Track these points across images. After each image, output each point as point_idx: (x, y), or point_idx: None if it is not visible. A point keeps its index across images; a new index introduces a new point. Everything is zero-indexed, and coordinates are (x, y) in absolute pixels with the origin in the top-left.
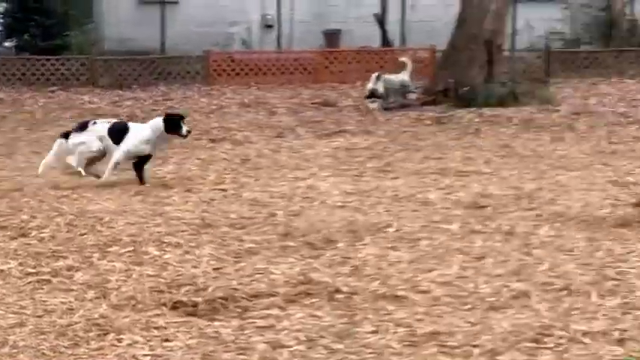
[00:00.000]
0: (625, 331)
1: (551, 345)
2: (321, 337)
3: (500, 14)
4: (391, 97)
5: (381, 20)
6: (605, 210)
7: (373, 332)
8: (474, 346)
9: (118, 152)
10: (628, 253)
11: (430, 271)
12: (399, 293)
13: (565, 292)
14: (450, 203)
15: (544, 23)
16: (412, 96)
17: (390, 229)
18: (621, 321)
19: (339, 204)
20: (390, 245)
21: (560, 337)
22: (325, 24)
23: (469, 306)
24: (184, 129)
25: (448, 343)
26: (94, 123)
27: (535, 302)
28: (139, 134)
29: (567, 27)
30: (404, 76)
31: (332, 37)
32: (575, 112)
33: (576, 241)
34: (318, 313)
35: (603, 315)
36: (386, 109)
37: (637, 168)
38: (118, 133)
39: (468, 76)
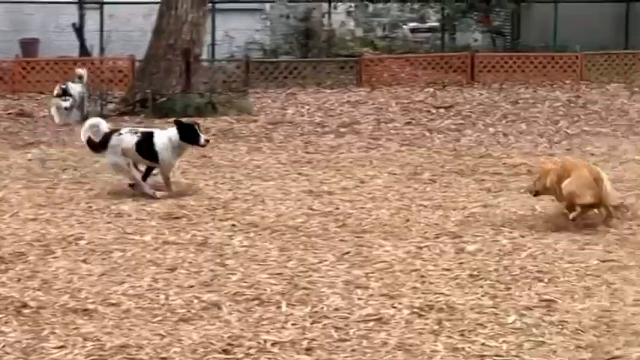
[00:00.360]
0: (313, 340)
1: (241, 355)
2: (6, 353)
3: (197, 24)
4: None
5: (79, 29)
6: (298, 220)
7: (60, 347)
8: (163, 358)
9: None
10: (319, 262)
11: (121, 283)
12: (89, 307)
13: (256, 302)
14: (144, 214)
15: (243, 33)
16: (110, 106)
17: (82, 242)
18: (310, 330)
19: (31, 216)
20: (81, 258)
21: (250, 348)
22: (22, 33)
23: (159, 318)
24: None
25: (137, 357)
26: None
27: (226, 313)
28: None
29: (267, 37)
30: (80, 87)
31: (29, 46)
32: (273, 122)
33: (269, 250)
34: (4, 328)
35: (292, 324)
36: (84, 119)
37: (332, 178)
38: None
39: (166, 86)
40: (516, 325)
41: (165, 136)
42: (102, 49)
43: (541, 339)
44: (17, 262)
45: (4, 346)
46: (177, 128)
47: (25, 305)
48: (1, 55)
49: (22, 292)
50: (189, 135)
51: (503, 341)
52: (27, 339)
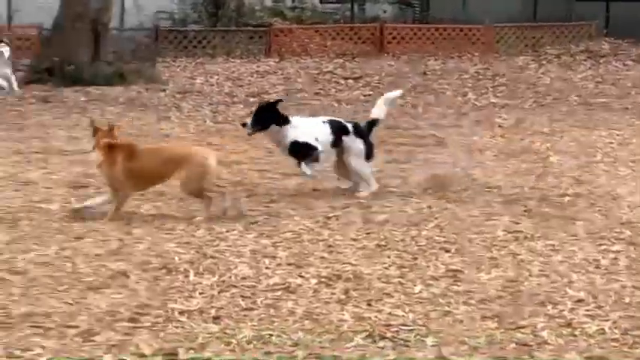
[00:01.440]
0: (221, 308)
1: (148, 324)
2: None
3: None
4: None
5: None
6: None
7: None
8: (70, 326)
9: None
10: (227, 231)
11: (28, 251)
12: None
13: (164, 271)
14: (51, 183)
15: (153, 2)
16: (18, 74)
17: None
18: (218, 299)
19: None
20: None
21: (157, 316)
22: None
23: (66, 286)
24: None
25: (44, 324)
26: None
27: (133, 282)
28: None
29: (175, 6)
30: None
31: None
32: (182, 92)
33: (176, 219)
34: None
35: (200, 293)
36: None
37: (239, 147)
38: None
39: (74, 55)
40: (423, 294)
41: None
42: (9, 18)
43: (447, 309)
44: None
45: None
46: None
47: None
48: None
49: None
50: None
51: (410, 310)
52: None
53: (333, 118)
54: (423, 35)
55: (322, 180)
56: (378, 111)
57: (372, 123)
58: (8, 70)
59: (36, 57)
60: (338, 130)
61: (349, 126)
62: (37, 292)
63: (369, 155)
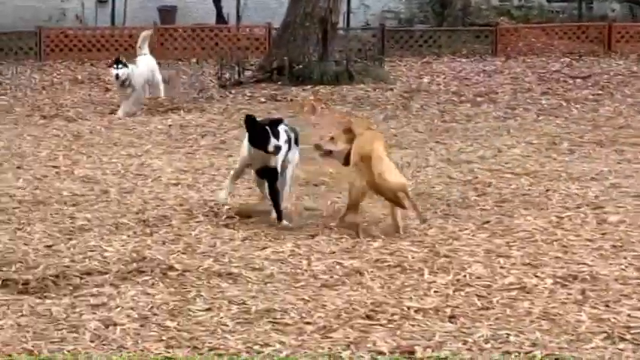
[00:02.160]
0: (456, 307)
1: (384, 321)
2: (154, 314)
3: None
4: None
5: None
6: (437, 188)
7: (207, 310)
8: (307, 323)
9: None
10: (460, 230)
11: (264, 248)
12: (233, 270)
13: (398, 269)
14: None
15: (379, 2)
16: (247, 73)
17: (226, 207)
18: (453, 298)
19: (173, 181)
20: (223, 223)
21: (393, 314)
22: (160, 0)
23: (302, 283)
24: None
25: (282, 321)
26: None
27: (368, 279)
28: None
29: (402, 6)
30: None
31: (167, 13)
32: (409, 91)
33: (410, 219)
34: (151, 290)
35: (435, 292)
36: (221, 86)
37: (469, 147)
38: None
39: (303, 54)
40: None
41: None
42: (238, 17)
43: None
44: (161, 225)
45: (151, 308)
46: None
47: (170, 268)
48: (140, 22)
49: (167, 255)
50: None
51: None
52: (173, 301)
53: None
54: None
55: (554, 180)
56: None
57: None
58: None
59: (265, 56)
60: None
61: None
62: (274, 288)
63: None
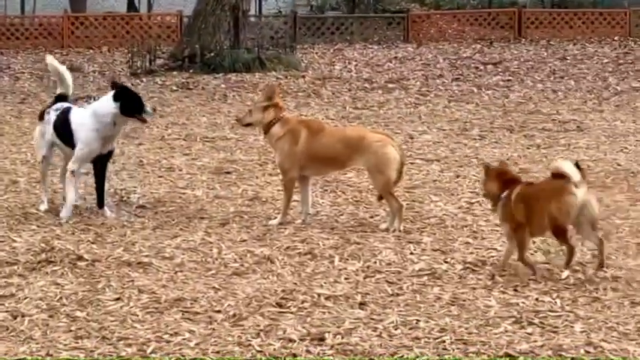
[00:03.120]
0: (367, 294)
1: (294, 309)
2: (63, 305)
3: None
4: None
5: None
6: (349, 175)
7: (116, 299)
8: (217, 311)
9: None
10: (370, 217)
11: (174, 237)
12: (143, 260)
13: (309, 257)
14: (195, 169)
15: None
16: (159, 62)
17: (135, 196)
18: (363, 284)
19: (83, 170)
20: (134, 212)
21: (304, 301)
22: None
23: (213, 272)
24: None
25: (192, 309)
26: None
27: (279, 267)
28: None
29: None
30: None
31: (78, 1)
32: (321, 78)
33: (321, 206)
34: (60, 280)
35: (345, 279)
36: (132, 74)
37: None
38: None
39: (214, 42)
40: (570, 280)
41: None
42: (150, 5)
43: (595, 295)
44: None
45: (60, 298)
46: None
47: (80, 258)
48: (50, 10)
49: (77, 245)
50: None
51: (557, 297)
52: (83, 291)
53: None
54: (562, 20)
55: (464, 166)
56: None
57: None
58: None
59: (177, 44)
60: None
61: None
62: (185, 277)
63: None
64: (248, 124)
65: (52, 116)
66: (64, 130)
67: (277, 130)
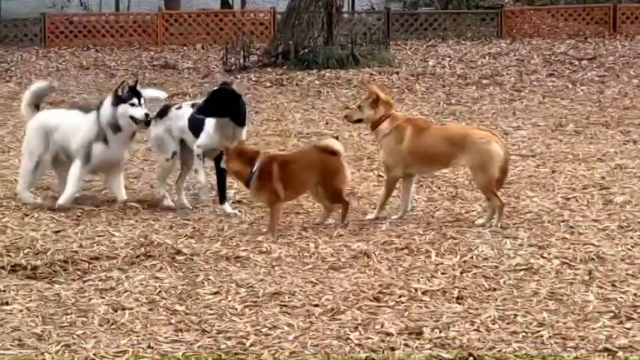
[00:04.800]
0: (464, 289)
1: (392, 303)
2: (163, 298)
3: None
4: None
5: None
6: (444, 170)
7: (215, 293)
8: (315, 305)
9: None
10: (466, 212)
11: None
12: (241, 254)
13: (405, 252)
14: None
15: None
16: (252, 58)
17: (232, 191)
18: (460, 279)
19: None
20: (230, 207)
21: (401, 296)
22: None
23: (310, 266)
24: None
25: (290, 303)
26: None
27: (375, 262)
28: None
29: None
30: None
31: None
32: (415, 74)
33: (416, 201)
34: (159, 274)
35: (442, 274)
36: (227, 71)
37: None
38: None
39: (308, 38)
40: None
41: None
42: (243, 2)
43: None
44: (169, 211)
45: (160, 292)
46: None
47: (178, 252)
48: (145, 7)
49: (176, 240)
50: None
51: None
52: (182, 285)
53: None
54: None
55: (560, 161)
56: None
57: None
58: None
59: (270, 41)
60: None
61: None
62: (282, 271)
63: None
64: (357, 120)
65: (184, 112)
66: (198, 125)
67: (385, 127)
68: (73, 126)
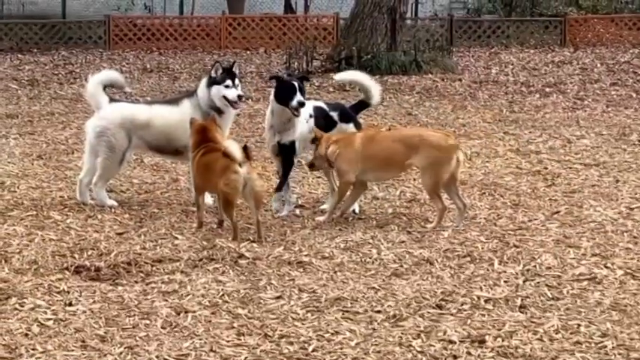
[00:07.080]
0: (527, 297)
1: (454, 311)
2: (225, 302)
3: None
4: None
5: None
6: (507, 178)
7: (277, 298)
8: (378, 311)
9: None
10: (529, 221)
11: (334, 237)
12: (303, 259)
13: (467, 259)
14: None
15: None
16: (315, 63)
17: (294, 195)
18: (523, 288)
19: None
20: (292, 211)
21: (463, 304)
22: None
23: (372, 272)
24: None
25: (352, 309)
26: None
27: (438, 269)
28: None
29: None
30: None
31: (235, 2)
32: (477, 81)
33: (478, 209)
34: (222, 278)
35: (505, 282)
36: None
37: (538, 137)
38: None
39: (371, 44)
40: None
41: None
42: (306, 7)
43: None
44: None
45: (222, 295)
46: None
47: (241, 256)
48: (208, 11)
49: (238, 243)
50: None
51: None
52: (244, 289)
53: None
54: None
55: (624, 171)
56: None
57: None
58: None
59: (334, 46)
60: None
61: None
62: (344, 277)
63: None
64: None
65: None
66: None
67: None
68: (171, 120)
